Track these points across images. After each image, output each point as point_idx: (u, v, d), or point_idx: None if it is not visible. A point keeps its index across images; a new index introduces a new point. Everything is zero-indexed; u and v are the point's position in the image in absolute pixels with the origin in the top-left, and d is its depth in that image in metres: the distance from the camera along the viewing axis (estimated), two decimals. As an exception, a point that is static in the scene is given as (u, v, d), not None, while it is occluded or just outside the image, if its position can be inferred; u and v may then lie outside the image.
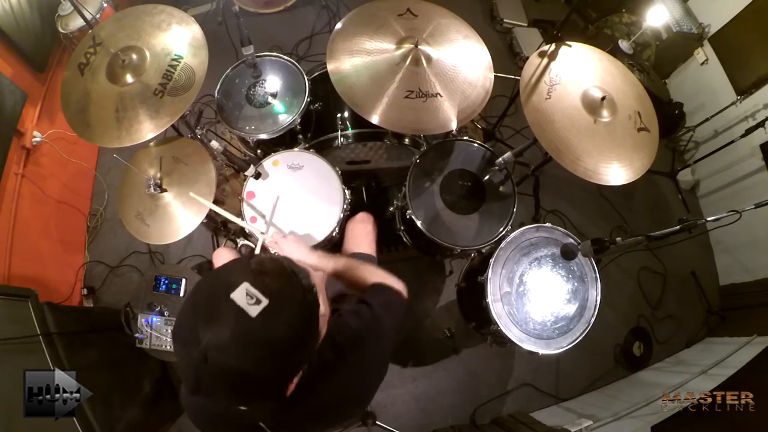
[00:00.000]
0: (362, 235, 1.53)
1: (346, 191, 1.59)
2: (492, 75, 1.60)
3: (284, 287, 0.62)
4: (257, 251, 1.16)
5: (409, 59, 1.52)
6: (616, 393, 2.23)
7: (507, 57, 3.06)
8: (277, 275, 0.62)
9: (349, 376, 0.80)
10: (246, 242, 1.42)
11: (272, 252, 1.13)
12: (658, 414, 1.77)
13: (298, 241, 1.14)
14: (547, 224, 1.60)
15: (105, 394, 1.54)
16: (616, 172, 1.46)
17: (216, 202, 1.62)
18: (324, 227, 1.55)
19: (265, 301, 0.58)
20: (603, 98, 1.49)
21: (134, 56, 1.47)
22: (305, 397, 0.74)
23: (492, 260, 1.54)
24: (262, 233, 1.18)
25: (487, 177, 1.71)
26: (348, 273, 1.05)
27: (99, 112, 1.44)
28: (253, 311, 0.57)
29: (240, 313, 0.57)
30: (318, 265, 1.08)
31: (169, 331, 1.60)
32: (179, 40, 1.49)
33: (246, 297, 0.58)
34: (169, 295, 1.64)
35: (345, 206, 1.57)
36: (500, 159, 1.63)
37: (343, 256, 1.16)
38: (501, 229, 1.64)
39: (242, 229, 1.45)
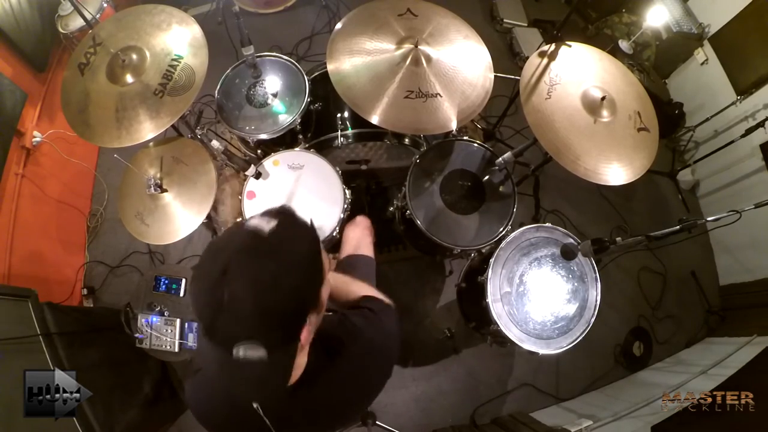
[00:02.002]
0: (360, 237, 1.54)
1: (347, 191, 1.59)
2: (492, 75, 1.60)
3: (295, 218, 0.68)
4: None
5: (409, 59, 1.52)
6: (616, 393, 2.23)
7: (507, 57, 3.06)
8: (286, 213, 0.68)
9: (352, 373, 0.80)
10: None
11: None
12: (658, 414, 1.77)
13: None
14: (547, 224, 1.60)
15: (105, 394, 1.55)
16: (616, 172, 1.46)
17: (216, 202, 1.62)
18: (324, 227, 1.55)
19: (277, 222, 0.63)
20: (603, 98, 1.49)
21: (134, 56, 1.47)
22: (308, 390, 0.73)
23: (492, 260, 1.54)
24: None
25: (487, 177, 1.71)
26: (339, 287, 1.04)
27: (99, 112, 1.44)
28: (268, 227, 0.62)
29: (255, 228, 0.62)
30: None
31: (170, 331, 1.60)
32: (179, 40, 1.49)
33: (259, 220, 0.64)
34: (169, 295, 1.64)
35: (345, 206, 1.57)
36: (500, 159, 1.63)
37: (337, 270, 1.15)
38: (501, 229, 1.64)
39: None
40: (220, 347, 0.61)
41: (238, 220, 1.05)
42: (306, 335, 0.66)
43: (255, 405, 0.69)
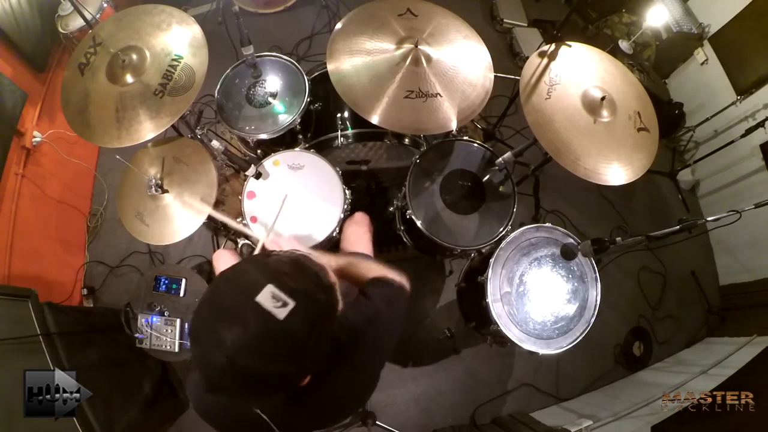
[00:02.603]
0: (359, 235, 1.53)
1: (347, 191, 1.59)
2: (492, 75, 1.60)
3: (308, 288, 0.62)
4: (257, 252, 1.16)
5: (409, 59, 1.52)
6: (616, 393, 2.23)
7: (507, 57, 3.06)
8: (299, 275, 0.63)
9: (347, 371, 0.80)
10: (247, 242, 1.42)
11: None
12: (658, 414, 1.77)
13: (298, 242, 1.14)
14: (547, 224, 1.60)
15: (105, 394, 1.54)
16: (616, 172, 1.46)
17: (216, 202, 1.62)
18: (324, 227, 1.55)
19: (291, 304, 0.58)
20: (603, 98, 1.49)
21: (134, 56, 1.47)
22: (307, 392, 0.74)
23: (492, 260, 1.54)
24: (261, 234, 1.18)
25: (487, 177, 1.71)
26: (347, 269, 1.05)
27: (99, 112, 1.44)
28: (281, 314, 0.57)
29: (268, 317, 0.57)
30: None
31: (170, 331, 1.59)
32: (179, 40, 1.49)
33: (272, 300, 0.57)
34: (169, 295, 1.64)
35: (345, 206, 1.57)
36: (500, 159, 1.63)
37: (343, 254, 1.15)
38: (501, 229, 1.64)
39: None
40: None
41: (227, 262, 1.03)
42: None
43: (257, 410, 0.70)
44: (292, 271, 0.63)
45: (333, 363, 0.78)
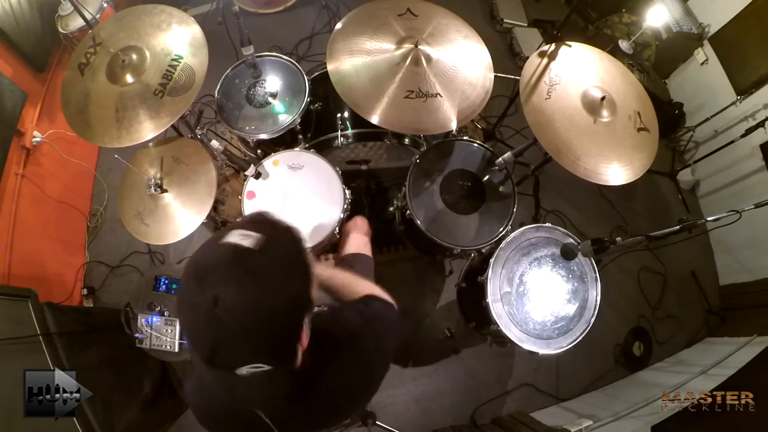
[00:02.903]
0: (359, 238, 1.54)
1: (347, 191, 1.59)
2: (492, 75, 1.60)
3: (274, 225, 0.64)
4: None
5: (409, 59, 1.52)
6: (616, 393, 2.24)
7: (507, 57, 3.06)
8: (264, 221, 0.65)
9: (348, 371, 0.80)
10: None
11: None
12: (658, 414, 1.78)
13: None
14: (547, 224, 1.60)
15: (105, 394, 1.54)
16: (616, 172, 1.46)
17: (216, 201, 1.62)
18: (324, 227, 1.55)
19: (258, 235, 0.59)
20: (603, 98, 1.49)
21: (134, 56, 1.47)
22: (309, 392, 0.74)
23: (492, 260, 1.54)
24: None
25: (487, 177, 1.71)
26: (341, 285, 1.04)
27: (99, 112, 1.44)
28: (249, 242, 0.58)
29: (236, 248, 0.58)
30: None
31: (170, 331, 1.60)
32: (179, 40, 1.49)
33: (239, 236, 0.59)
34: (169, 295, 1.64)
35: (345, 206, 1.57)
36: (500, 159, 1.63)
37: (338, 268, 1.15)
38: (501, 229, 1.64)
39: None
40: (220, 370, 0.60)
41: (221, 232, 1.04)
42: (305, 338, 0.66)
43: (259, 412, 0.70)
44: (256, 219, 0.66)
45: (333, 362, 0.78)
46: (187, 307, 0.59)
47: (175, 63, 1.45)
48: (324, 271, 1.05)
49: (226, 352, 0.58)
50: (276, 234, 0.64)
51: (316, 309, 1.12)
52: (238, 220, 0.68)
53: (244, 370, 0.58)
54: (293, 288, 0.62)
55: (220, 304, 0.55)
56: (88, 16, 1.79)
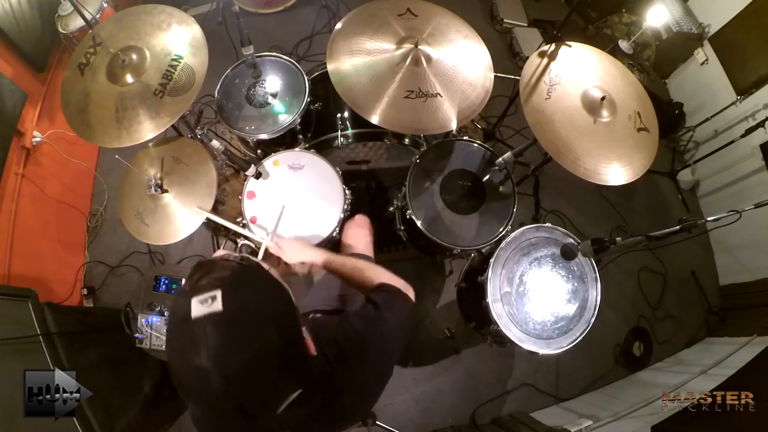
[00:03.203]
0: (360, 237, 1.54)
1: (347, 191, 1.59)
2: (492, 75, 1.60)
3: (227, 272, 0.62)
4: (260, 256, 1.16)
5: (409, 59, 1.52)
6: (616, 393, 2.24)
7: (507, 57, 3.06)
8: (212, 270, 0.63)
9: (352, 380, 0.80)
10: (246, 242, 1.42)
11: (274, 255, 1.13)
12: (658, 414, 1.78)
13: (300, 241, 1.14)
14: (547, 224, 1.60)
15: (105, 394, 1.54)
16: (616, 172, 1.46)
17: (216, 201, 1.62)
18: (324, 227, 1.55)
19: (217, 292, 0.58)
20: (603, 98, 1.49)
21: (134, 56, 1.47)
22: (317, 398, 0.74)
23: (492, 260, 1.54)
24: (263, 237, 1.19)
25: (487, 177, 1.71)
26: (355, 273, 1.05)
27: (99, 112, 1.44)
28: (217, 306, 0.57)
29: (209, 319, 0.57)
30: (324, 261, 1.08)
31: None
32: (179, 40, 1.49)
33: (202, 306, 0.57)
34: (169, 295, 1.64)
35: (345, 206, 1.57)
36: (500, 159, 1.63)
37: (350, 256, 1.15)
38: (501, 229, 1.64)
39: (243, 229, 1.46)
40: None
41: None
42: (311, 345, 0.68)
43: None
44: (202, 272, 0.62)
45: (343, 368, 0.78)
46: (197, 394, 0.59)
47: (175, 63, 1.45)
48: (344, 260, 1.06)
49: (261, 403, 0.59)
50: (235, 280, 0.62)
51: (319, 315, 1.12)
52: (183, 282, 0.65)
53: (282, 408, 0.59)
54: (273, 314, 0.62)
55: (223, 371, 0.55)
56: (88, 16, 1.79)
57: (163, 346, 1.60)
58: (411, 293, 0.98)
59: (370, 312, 0.88)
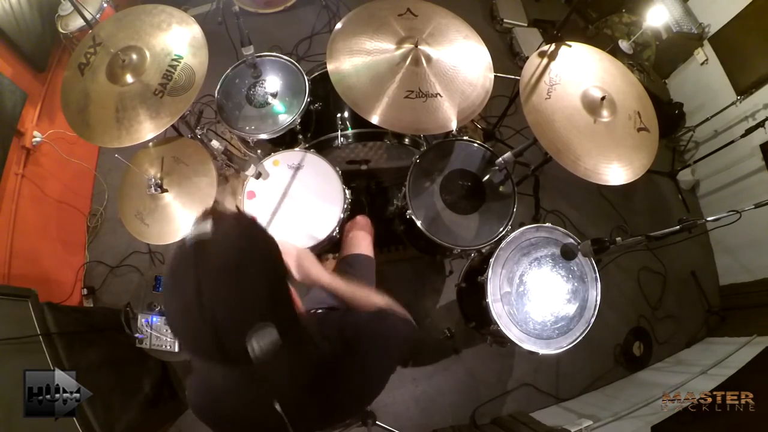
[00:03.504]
0: (360, 237, 1.54)
1: (347, 191, 1.59)
2: (492, 75, 1.60)
3: (223, 212, 0.66)
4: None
5: (409, 59, 1.52)
6: (616, 393, 2.24)
7: (507, 57, 3.06)
8: (206, 213, 0.65)
9: (357, 370, 0.80)
10: None
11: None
12: (658, 414, 1.78)
13: (312, 256, 1.12)
14: (547, 224, 1.61)
15: (105, 394, 1.54)
16: (616, 172, 1.46)
17: (216, 202, 1.62)
18: (324, 227, 1.55)
19: (208, 220, 0.61)
20: (603, 98, 1.49)
21: (134, 56, 1.46)
22: (324, 383, 0.74)
23: (492, 260, 1.54)
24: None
25: (487, 177, 1.71)
26: (355, 296, 1.02)
27: (99, 112, 1.44)
28: (205, 228, 0.61)
29: (199, 239, 0.60)
30: (328, 285, 1.04)
31: (170, 331, 1.59)
32: (179, 40, 1.49)
33: (193, 230, 0.61)
34: (169, 295, 1.64)
35: (345, 206, 1.57)
36: (500, 159, 1.63)
37: (343, 275, 1.13)
38: (501, 229, 1.64)
39: None
40: (235, 363, 0.61)
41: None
42: (298, 303, 0.69)
43: (276, 405, 0.69)
44: (203, 215, 0.66)
45: (345, 360, 0.78)
46: (176, 313, 0.62)
47: (175, 63, 1.45)
48: (323, 275, 1.03)
49: (229, 333, 0.58)
50: (222, 216, 0.65)
51: (320, 311, 1.12)
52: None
53: (255, 344, 0.58)
54: (261, 252, 0.65)
55: (204, 292, 0.57)
56: (88, 16, 1.79)
57: (164, 346, 1.60)
58: (410, 319, 0.97)
59: (375, 315, 0.89)
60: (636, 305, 2.50)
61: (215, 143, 1.59)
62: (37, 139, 2.09)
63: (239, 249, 0.62)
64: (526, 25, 3.10)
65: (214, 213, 0.65)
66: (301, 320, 0.70)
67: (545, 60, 1.57)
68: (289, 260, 1.10)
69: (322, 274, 1.05)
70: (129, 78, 1.45)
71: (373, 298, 1.01)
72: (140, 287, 1.67)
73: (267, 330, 0.60)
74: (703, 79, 2.75)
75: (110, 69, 1.46)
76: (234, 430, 0.82)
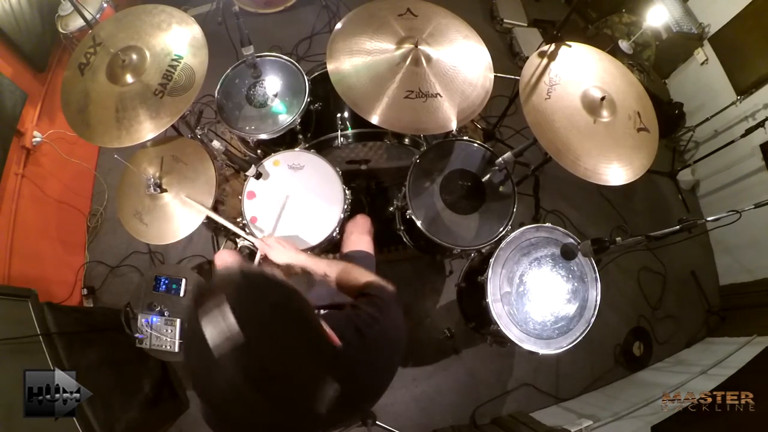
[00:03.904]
0: (360, 236, 1.54)
1: (347, 191, 1.59)
2: (492, 75, 1.60)
3: (232, 286, 0.59)
4: (257, 257, 1.17)
5: (409, 59, 1.52)
6: (616, 393, 2.24)
7: (507, 57, 3.06)
8: (215, 290, 0.59)
9: (371, 360, 0.81)
10: (245, 242, 1.42)
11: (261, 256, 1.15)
12: (658, 414, 1.78)
13: (288, 242, 1.15)
14: (547, 224, 1.60)
15: (105, 394, 1.54)
16: (616, 172, 1.46)
17: (216, 202, 1.62)
18: (324, 227, 1.55)
19: (225, 307, 0.55)
20: (603, 98, 1.49)
21: (134, 56, 1.47)
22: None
23: (492, 260, 1.54)
24: (257, 236, 1.20)
25: (487, 177, 1.71)
26: (340, 275, 1.06)
27: (99, 112, 1.44)
28: (230, 321, 0.54)
29: (229, 337, 0.53)
30: (307, 265, 1.10)
31: (170, 331, 1.59)
32: (179, 40, 1.49)
33: (215, 329, 0.54)
34: (169, 295, 1.64)
35: (345, 206, 1.57)
36: (500, 159, 1.63)
37: (335, 260, 1.16)
38: (501, 229, 1.64)
39: (243, 229, 1.46)
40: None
41: (228, 261, 1.15)
42: (328, 330, 0.67)
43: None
44: (207, 294, 0.59)
45: (358, 354, 0.78)
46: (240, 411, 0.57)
47: (175, 63, 1.45)
48: (329, 264, 1.07)
49: (300, 408, 0.58)
50: (233, 291, 0.59)
51: (323, 311, 1.13)
52: (190, 305, 0.61)
53: (325, 404, 0.58)
54: (287, 312, 0.61)
55: (260, 382, 0.54)
56: (88, 16, 1.79)
57: (164, 346, 1.60)
58: (394, 290, 0.98)
59: (378, 301, 0.90)
60: (636, 305, 2.50)
61: (215, 143, 1.59)
62: (37, 139, 2.09)
63: (267, 321, 0.57)
64: (526, 25, 3.10)
65: (223, 295, 0.57)
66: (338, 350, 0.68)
67: (545, 60, 1.57)
68: (269, 254, 1.13)
69: (300, 259, 1.10)
70: (129, 78, 1.45)
71: (356, 272, 1.03)
72: (140, 287, 1.66)
73: (327, 387, 0.59)
74: (703, 79, 2.75)
75: (110, 69, 1.46)
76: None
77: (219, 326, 0.53)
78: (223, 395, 0.55)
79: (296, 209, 1.57)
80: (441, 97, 1.50)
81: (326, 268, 1.09)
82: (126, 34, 1.51)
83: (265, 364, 0.55)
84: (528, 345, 1.48)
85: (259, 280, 0.64)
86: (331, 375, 0.60)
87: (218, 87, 1.75)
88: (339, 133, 1.72)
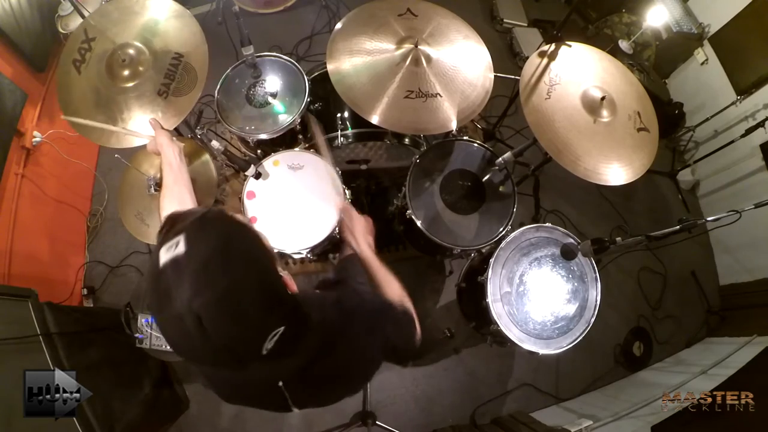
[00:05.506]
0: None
1: (347, 191, 1.59)
2: (492, 75, 1.60)
3: (189, 219, 0.63)
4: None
5: (409, 59, 1.52)
6: (616, 393, 2.24)
7: (507, 57, 3.06)
8: (177, 221, 0.64)
9: (353, 343, 0.82)
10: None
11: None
12: (658, 414, 1.78)
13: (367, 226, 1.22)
14: (547, 224, 1.61)
15: (105, 394, 1.54)
16: (616, 172, 1.46)
17: (216, 202, 1.62)
18: (324, 227, 1.55)
19: (180, 237, 0.59)
20: (603, 98, 1.49)
21: (132, 53, 1.46)
22: (326, 357, 0.76)
23: (492, 260, 1.54)
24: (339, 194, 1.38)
25: (487, 177, 1.71)
26: (381, 279, 1.07)
27: (99, 110, 1.44)
28: (181, 249, 0.58)
29: (174, 263, 0.57)
30: (368, 255, 1.13)
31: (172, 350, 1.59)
32: (179, 39, 1.47)
33: (167, 253, 0.58)
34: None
35: (345, 206, 1.57)
36: (500, 159, 1.63)
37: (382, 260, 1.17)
38: (501, 229, 1.64)
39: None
40: (247, 365, 0.62)
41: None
42: (290, 283, 0.70)
43: (279, 383, 0.72)
44: (169, 225, 0.64)
45: (338, 331, 0.79)
46: (178, 338, 0.60)
47: (176, 62, 1.45)
48: (374, 259, 1.09)
49: (243, 344, 0.60)
50: (195, 225, 0.62)
51: (318, 291, 1.15)
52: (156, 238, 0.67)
53: (269, 345, 0.60)
54: (239, 252, 0.61)
55: (203, 319, 0.55)
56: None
57: (164, 346, 1.60)
58: (417, 323, 1.04)
59: (382, 297, 0.93)
60: (636, 305, 2.50)
61: (215, 143, 1.59)
62: (37, 139, 2.08)
63: (218, 260, 0.58)
64: (526, 25, 3.10)
65: (182, 227, 0.61)
66: (299, 299, 0.70)
67: (545, 60, 1.57)
68: (349, 222, 1.22)
69: (366, 246, 1.15)
70: (129, 78, 1.44)
71: (394, 286, 1.05)
72: (140, 287, 1.67)
73: (277, 331, 0.61)
74: (703, 79, 2.75)
75: (110, 68, 1.46)
76: (240, 402, 0.84)
77: (171, 249, 0.59)
78: (172, 322, 0.58)
79: (296, 209, 1.57)
80: (441, 97, 1.50)
81: (378, 265, 1.09)
82: (126, 34, 1.51)
83: (204, 296, 0.56)
84: (528, 345, 1.48)
85: (217, 215, 0.66)
86: (276, 317, 0.61)
87: (218, 87, 1.75)
88: (339, 133, 1.72)
